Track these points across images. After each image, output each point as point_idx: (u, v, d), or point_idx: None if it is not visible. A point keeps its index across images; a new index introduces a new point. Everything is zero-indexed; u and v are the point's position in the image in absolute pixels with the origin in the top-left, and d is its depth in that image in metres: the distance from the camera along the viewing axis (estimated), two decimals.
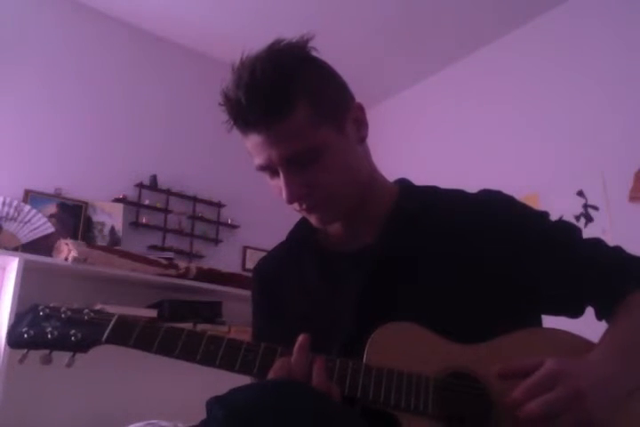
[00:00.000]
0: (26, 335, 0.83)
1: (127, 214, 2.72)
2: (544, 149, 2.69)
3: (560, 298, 0.93)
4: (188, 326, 2.34)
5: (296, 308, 0.97)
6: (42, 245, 2.32)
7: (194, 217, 2.95)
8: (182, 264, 2.58)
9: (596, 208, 2.45)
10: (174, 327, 0.83)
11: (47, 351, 0.83)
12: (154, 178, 2.85)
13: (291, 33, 0.90)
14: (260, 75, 0.83)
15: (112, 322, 0.83)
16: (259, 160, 0.88)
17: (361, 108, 0.95)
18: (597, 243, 0.95)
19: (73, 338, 0.82)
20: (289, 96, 0.84)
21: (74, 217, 2.54)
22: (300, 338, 0.79)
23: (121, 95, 2.90)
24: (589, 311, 0.94)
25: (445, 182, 1.07)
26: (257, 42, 0.88)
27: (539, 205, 2.42)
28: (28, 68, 2.63)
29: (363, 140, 0.95)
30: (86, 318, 0.85)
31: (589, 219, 2.45)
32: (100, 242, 2.54)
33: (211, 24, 3.00)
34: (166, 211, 2.86)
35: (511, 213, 0.95)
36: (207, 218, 3.00)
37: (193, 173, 3.01)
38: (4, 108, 2.52)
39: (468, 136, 3.04)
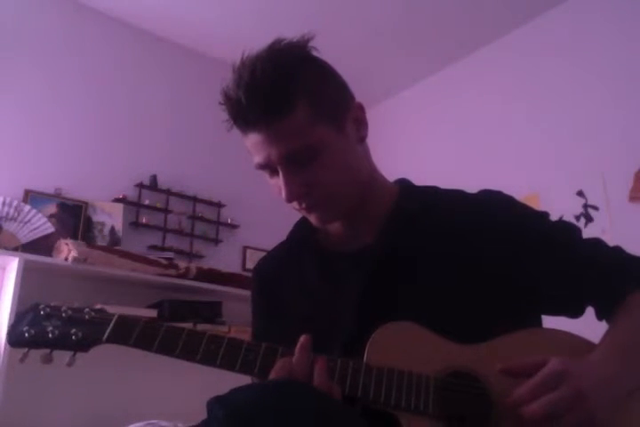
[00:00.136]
0: (26, 334, 0.83)
1: (127, 214, 2.72)
2: (544, 149, 2.69)
3: (560, 298, 0.93)
4: (188, 326, 2.33)
5: (296, 308, 0.97)
6: (42, 245, 2.32)
7: (194, 217, 2.95)
8: (182, 264, 2.57)
9: (596, 208, 2.45)
10: (175, 327, 0.83)
11: (48, 351, 0.83)
12: (154, 178, 2.85)
13: (291, 33, 0.90)
14: (261, 74, 0.83)
15: (113, 321, 0.83)
16: (258, 159, 0.88)
17: (361, 108, 0.95)
18: (597, 243, 0.95)
19: (74, 337, 0.82)
20: (289, 95, 0.84)
21: (74, 217, 2.54)
22: (302, 338, 0.79)
23: (121, 95, 2.90)
24: (589, 311, 0.94)
25: (445, 182, 1.07)
26: (257, 42, 0.88)
27: (539, 205, 2.42)
28: (29, 69, 2.63)
29: (363, 139, 0.95)
30: (87, 317, 0.85)
31: (589, 219, 2.45)
32: (100, 242, 2.54)
33: (211, 24, 3.00)
34: (166, 211, 2.86)
35: (511, 214, 0.95)
36: (207, 218, 3.00)
37: (193, 173, 3.01)
38: (4, 108, 2.52)
39: (468, 136, 3.04)
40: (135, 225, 2.75)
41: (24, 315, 0.86)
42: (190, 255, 2.87)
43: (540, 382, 0.74)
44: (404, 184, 1.03)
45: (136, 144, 2.88)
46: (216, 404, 0.67)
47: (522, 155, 2.77)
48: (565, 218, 1.29)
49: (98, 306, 0.89)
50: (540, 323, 0.97)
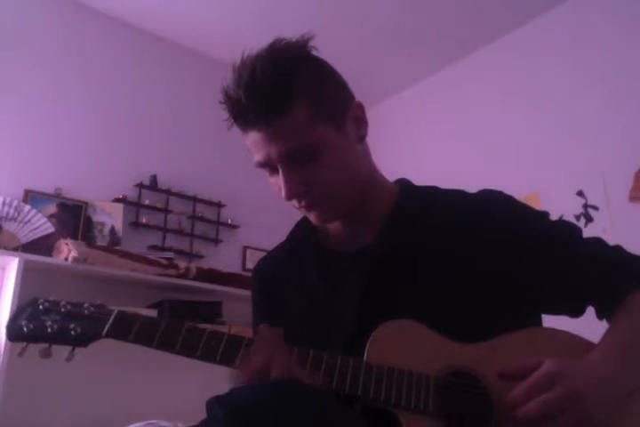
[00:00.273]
0: (25, 329, 0.83)
1: (127, 214, 2.72)
2: (544, 149, 2.69)
3: (560, 297, 0.93)
4: None
5: (296, 307, 0.97)
6: (42, 245, 2.32)
7: (194, 217, 2.95)
8: (182, 264, 2.58)
9: (596, 208, 2.45)
10: (175, 322, 0.83)
11: (47, 345, 0.83)
12: (154, 178, 2.85)
13: (291, 33, 0.91)
14: (260, 74, 0.84)
15: (112, 316, 0.83)
16: (258, 157, 0.89)
17: (361, 107, 0.95)
18: (598, 242, 0.95)
19: (73, 332, 0.82)
20: (288, 95, 0.84)
21: (74, 217, 2.54)
22: (271, 331, 0.81)
23: (121, 95, 2.90)
24: (590, 311, 0.94)
25: (445, 182, 1.07)
26: (257, 42, 0.89)
27: (539, 204, 2.42)
28: (29, 69, 2.63)
29: (362, 138, 0.96)
30: (86, 312, 0.84)
31: (589, 219, 2.45)
32: (100, 242, 2.54)
33: (211, 24, 3.01)
34: (166, 211, 2.86)
35: (511, 213, 0.95)
36: (207, 218, 3.00)
37: (193, 173, 3.01)
38: (4, 108, 2.52)
39: (468, 136, 3.04)
40: (135, 225, 2.75)
41: (23, 309, 0.85)
42: (190, 255, 2.87)
43: (533, 383, 0.74)
44: (404, 184, 1.03)
45: (136, 144, 2.88)
46: (216, 404, 0.67)
47: (522, 155, 2.77)
48: (565, 218, 1.29)
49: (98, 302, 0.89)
50: (540, 322, 0.97)
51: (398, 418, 0.77)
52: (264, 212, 3.04)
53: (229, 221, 3.06)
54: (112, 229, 2.63)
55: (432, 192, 1.02)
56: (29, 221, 2.33)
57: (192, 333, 0.82)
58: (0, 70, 2.54)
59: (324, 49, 0.93)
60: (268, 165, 0.89)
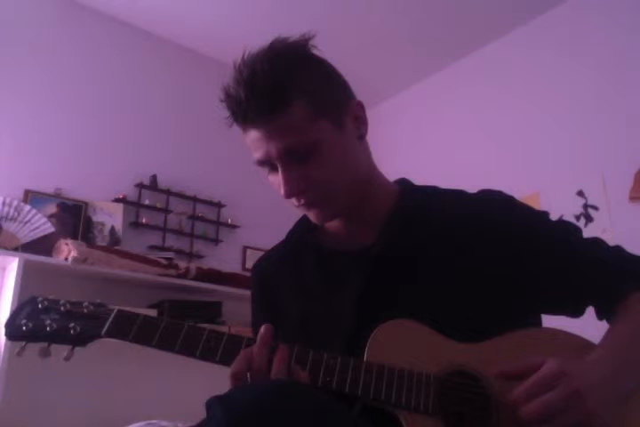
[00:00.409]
0: (24, 328, 0.82)
1: (127, 214, 2.72)
2: (544, 149, 2.69)
3: (560, 297, 0.93)
4: None
5: (295, 307, 0.97)
6: (42, 245, 2.31)
7: (194, 217, 2.95)
8: (182, 264, 2.58)
9: (596, 208, 2.45)
10: (175, 322, 0.83)
11: (46, 344, 0.83)
12: (154, 178, 2.85)
13: (292, 34, 0.91)
14: (260, 72, 0.84)
15: (112, 315, 0.83)
16: (257, 155, 0.89)
17: (361, 107, 0.96)
18: (597, 242, 0.95)
19: (72, 331, 0.82)
20: (287, 93, 0.85)
21: (74, 217, 2.54)
22: (262, 328, 0.81)
23: (121, 95, 2.90)
24: (590, 311, 0.94)
25: (445, 182, 1.07)
26: (258, 43, 0.89)
27: (539, 204, 2.42)
28: (28, 69, 2.63)
29: (362, 137, 0.96)
30: (85, 311, 0.84)
31: (589, 219, 2.45)
32: (100, 242, 2.54)
33: (211, 25, 3.00)
34: (166, 211, 2.86)
35: (511, 214, 0.95)
36: (207, 218, 3.00)
37: (193, 173, 3.01)
38: (4, 109, 2.52)
39: (468, 136, 3.04)
40: (135, 225, 2.75)
41: (22, 308, 0.85)
42: (190, 255, 2.87)
43: (536, 382, 0.74)
44: (404, 184, 1.04)
45: (136, 144, 2.88)
46: (215, 403, 0.67)
47: (522, 155, 2.77)
48: (565, 218, 1.29)
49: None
50: (540, 322, 0.97)
51: (398, 418, 0.77)
52: (264, 212, 3.04)
53: (229, 221, 3.06)
54: (112, 229, 2.63)
55: (432, 192, 1.02)
56: (29, 221, 2.33)
57: (192, 332, 0.82)
58: (0, 70, 2.54)
59: (325, 49, 0.94)
60: (268, 163, 0.90)
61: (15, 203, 2.33)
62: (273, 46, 0.88)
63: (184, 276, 2.54)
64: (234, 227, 3.08)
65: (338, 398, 0.75)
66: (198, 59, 3.22)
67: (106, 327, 0.82)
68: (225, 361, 0.80)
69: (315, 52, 0.93)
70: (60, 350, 0.83)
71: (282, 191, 0.89)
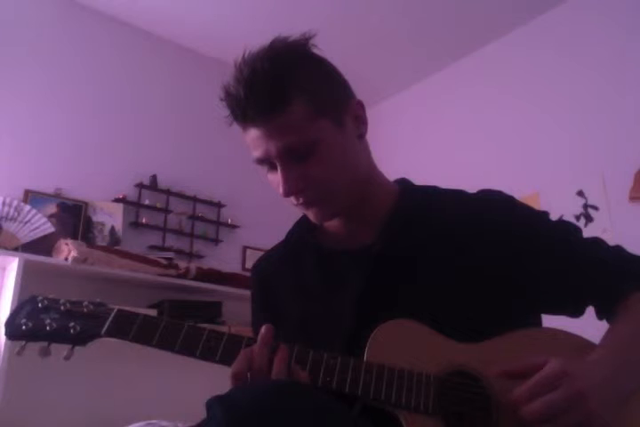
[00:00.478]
0: (24, 327, 0.82)
1: (127, 214, 2.72)
2: (544, 149, 2.69)
3: (560, 297, 0.93)
4: None
5: (295, 307, 0.97)
6: (42, 245, 2.31)
7: (194, 217, 2.95)
8: (182, 264, 2.58)
9: (596, 208, 2.45)
10: (175, 322, 0.83)
11: (45, 344, 0.83)
12: (154, 178, 2.85)
13: (292, 33, 0.92)
14: (260, 71, 0.85)
15: (112, 315, 0.83)
16: (257, 153, 0.89)
17: (361, 106, 0.96)
18: (597, 242, 0.95)
19: (72, 330, 0.82)
20: (287, 92, 0.85)
21: (74, 217, 2.54)
22: (263, 329, 0.81)
23: (121, 95, 2.90)
24: (590, 311, 0.94)
25: (445, 182, 1.07)
26: (258, 43, 0.90)
27: (539, 204, 2.42)
28: (28, 70, 2.63)
29: (362, 137, 0.96)
30: (85, 310, 0.84)
31: (589, 219, 2.45)
32: (100, 242, 2.54)
33: (212, 25, 3.00)
34: (166, 211, 2.86)
35: (511, 214, 0.95)
36: (207, 218, 3.00)
37: (193, 173, 3.01)
38: (4, 109, 2.52)
39: (468, 136, 3.04)
40: (135, 225, 2.75)
41: (22, 307, 0.85)
42: (190, 255, 2.87)
43: (538, 382, 0.74)
44: (404, 184, 1.03)
45: (136, 144, 2.88)
46: (216, 403, 0.67)
47: (522, 155, 2.77)
48: (565, 218, 1.29)
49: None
50: (540, 322, 0.97)
51: (398, 418, 0.77)
52: (264, 212, 3.04)
53: (229, 221, 3.06)
54: (112, 229, 2.63)
55: (432, 192, 1.02)
56: (29, 221, 2.33)
57: (192, 332, 0.82)
58: (0, 70, 2.54)
59: (325, 49, 0.94)
60: (267, 162, 0.90)
61: (15, 203, 2.33)
62: (273, 45, 0.88)
63: (184, 276, 2.54)
64: (234, 227, 3.08)
65: (338, 399, 0.75)
66: (198, 59, 3.22)
67: (106, 327, 0.82)
68: (225, 361, 0.80)
69: (315, 51, 0.93)
70: (60, 350, 0.83)
71: (281, 190, 0.89)
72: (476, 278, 0.89)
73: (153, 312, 2.37)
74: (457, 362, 0.81)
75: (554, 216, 0.99)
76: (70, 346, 0.83)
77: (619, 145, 2.42)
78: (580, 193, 2.50)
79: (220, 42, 3.07)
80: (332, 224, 1.01)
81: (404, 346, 0.82)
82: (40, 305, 0.85)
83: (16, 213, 2.31)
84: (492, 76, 3.03)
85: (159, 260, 2.51)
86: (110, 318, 0.83)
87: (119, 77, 2.92)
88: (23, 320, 0.83)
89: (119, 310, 0.84)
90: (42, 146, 2.59)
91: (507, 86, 2.94)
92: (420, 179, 1.05)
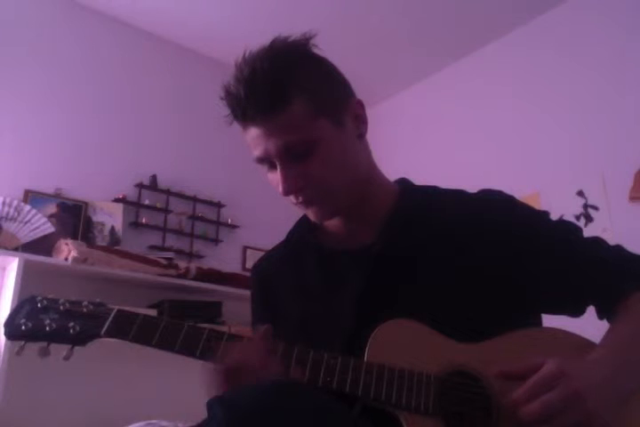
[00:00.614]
0: (23, 327, 0.82)
1: (127, 214, 2.72)
2: (544, 149, 2.69)
3: (561, 297, 0.93)
4: None
5: (295, 307, 0.97)
6: (42, 245, 2.31)
7: (194, 217, 2.95)
8: (182, 264, 2.58)
9: (596, 208, 2.45)
10: (174, 322, 0.83)
11: (45, 344, 0.83)
12: (154, 178, 2.85)
13: (293, 34, 0.92)
14: (260, 70, 0.85)
15: (112, 315, 0.83)
16: (257, 152, 0.90)
17: (361, 105, 0.96)
18: (598, 242, 0.95)
19: (71, 331, 0.82)
20: (286, 91, 0.86)
21: (74, 217, 2.54)
22: (262, 328, 0.81)
23: (121, 95, 2.90)
24: (590, 311, 0.94)
25: (446, 182, 1.07)
26: (259, 43, 0.90)
27: (539, 204, 2.42)
28: (29, 70, 2.63)
29: (362, 136, 0.96)
30: (85, 310, 0.84)
31: (589, 219, 2.45)
32: (100, 242, 2.54)
33: (212, 26, 3.01)
34: (166, 211, 2.86)
35: (511, 214, 0.95)
36: (207, 218, 3.00)
37: (193, 173, 3.01)
38: (4, 109, 2.52)
39: (468, 136, 3.04)
40: (135, 225, 2.75)
41: (21, 307, 0.85)
42: (190, 255, 2.86)
43: (536, 383, 0.74)
44: (404, 184, 1.04)
45: (136, 144, 2.88)
46: (216, 403, 0.67)
47: (522, 155, 2.77)
48: (565, 218, 1.29)
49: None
50: (540, 322, 0.97)
51: (398, 418, 0.77)
52: (264, 212, 3.04)
53: (229, 221, 3.06)
54: (112, 229, 2.63)
55: (432, 192, 1.02)
56: (29, 221, 2.33)
57: (192, 332, 0.82)
58: (1, 71, 2.54)
59: (325, 49, 0.94)
60: (267, 161, 0.90)
61: (15, 203, 2.33)
62: (273, 45, 0.89)
63: (184, 276, 2.54)
64: (234, 227, 3.08)
65: (338, 399, 0.75)
66: (198, 59, 3.22)
67: (105, 327, 0.82)
68: None
69: (315, 51, 0.93)
70: (60, 350, 0.83)
71: (280, 189, 0.89)
72: (476, 278, 0.88)
73: (153, 312, 2.37)
74: (457, 362, 0.81)
75: (554, 216, 0.99)
76: (70, 346, 0.83)
77: (619, 145, 2.42)
78: (580, 193, 2.50)
79: (220, 42, 3.07)
80: (333, 224, 1.01)
81: (405, 346, 0.82)
82: (39, 305, 0.84)
83: (16, 213, 2.31)
84: (491, 76, 3.03)
85: (159, 260, 2.51)
86: (110, 319, 0.83)
87: (119, 78, 2.92)
88: (22, 320, 0.83)
89: (119, 310, 0.84)
90: (42, 146, 2.59)
91: (507, 86, 2.94)
92: (420, 179, 1.05)
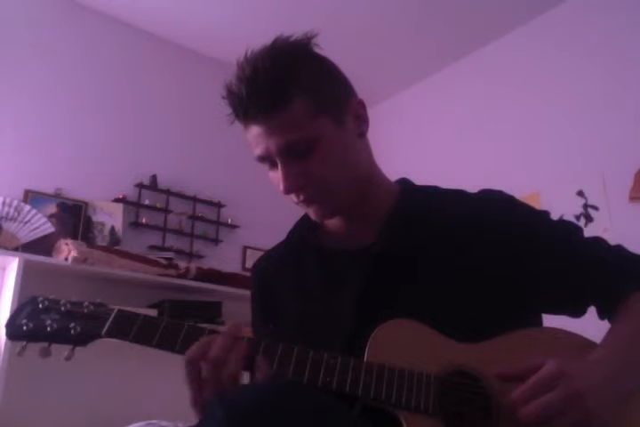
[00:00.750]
0: (24, 327, 0.82)
1: (127, 214, 2.72)
2: (545, 149, 2.69)
3: (561, 297, 0.93)
4: None
5: (295, 307, 0.97)
6: (42, 245, 2.31)
7: (194, 217, 2.95)
8: (182, 264, 2.58)
9: (596, 208, 2.45)
10: (175, 322, 0.83)
11: (46, 344, 0.83)
12: (154, 178, 2.85)
13: (294, 34, 0.92)
14: (262, 69, 0.85)
15: (112, 315, 0.83)
16: (258, 151, 0.90)
17: (362, 105, 0.96)
18: (598, 242, 0.95)
19: (72, 331, 0.82)
20: (287, 90, 0.86)
21: (74, 217, 2.54)
22: (230, 325, 0.81)
23: (121, 96, 2.90)
24: (590, 311, 0.94)
25: (446, 182, 1.07)
26: (259, 43, 0.90)
27: (539, 204, 2.42)
28: (29, 70, 2.63)
29: (362, 135, 0.96)
30: (86, 311, 0.84)
31: (589, 219, 2.45)
32: (100, 242, 2.54)
33: (212, 26, 3.01)
34: (166, 211, 2.86)
35: (511, 213, 0.95)
36: (207, 218, 3.00)
37: (193, 173, 3.01)
38: (4, 109, 2.52)
39: (469, 136, 3.04)
40: (135, 225, 2.75)
41: (22, 308, 0.85)
42: (190, 255, 2.87)
43: (536, 383, 0.74)
44: (404, 184, 1.04)
45: (136, 144, 2.88)
46: (216, 403, 0.67)
47: (522, 154, 2.77)
48: (565, 218, 1.29)
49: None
50: (540, 322, 0.97)
51: (398, 418, 0.77)
52: (264, 212, 3.04)
53: (229, 221, 3.06)
54: (112, 229, 2.63)
55: (432, 192, 1.02)
56: (29, 221, 2.33)
57: (192, 332, 0.82)
58: (1, 71, 2.54)
59: (325, 49, 0.94)
60: (268, 159, 0.90)
61: (15, 203, 2.33)
62: (275, 44, 0.89)
63: (184, 276, 2.54)
64: (234, 227, 3.08)
65: (338, 399, 0.75)
66: (199, 59, 3.22)
67: (106, 327, 0.82)
68: None
69: (317, 50, 0.93)
70: (61, 350, 0.83)
71: (281, 187, 0.89)
72: (476, 278, 0.88)
73: (153, 312, 2.37)
74: (457, 362, 0.81)
75: (554, 216, 0.99)
76: (71, 346, 0.83)
77: (619, 145, 2.42)
78: (580, 193, 2.50)
79: (220, 43, 3.07)
80: (333, 224, 1.01)
81: (405, 346, 0.82)
82: (40, 306, 0.84)
83: (16, 213, 2.31)
84: (491, 76, 3.03)
85: (159, 260, 2.51)
86: (110, 319, 0.83)
87: (119, 78, 2.92)
88: (24, 321, 0.83)
89: (119, 311, 0.84)
90: (42, 146, 2.59)
91: (507, 86, 2.94)
92: (420, 179, 1.05)
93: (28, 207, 2.36)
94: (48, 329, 0.82)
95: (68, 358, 0.82)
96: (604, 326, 0.89)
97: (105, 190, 2.69)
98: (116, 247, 2.50)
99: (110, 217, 2.64)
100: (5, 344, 1.99)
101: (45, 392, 2.23)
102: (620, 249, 0.95)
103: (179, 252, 2.80)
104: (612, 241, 0.97)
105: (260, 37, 0.93)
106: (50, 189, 2.53)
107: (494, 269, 0.89)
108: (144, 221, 2.77)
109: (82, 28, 2.85)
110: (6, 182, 2.42)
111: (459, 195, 1.00)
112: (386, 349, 0.81)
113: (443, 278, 0.89)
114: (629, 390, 0.79)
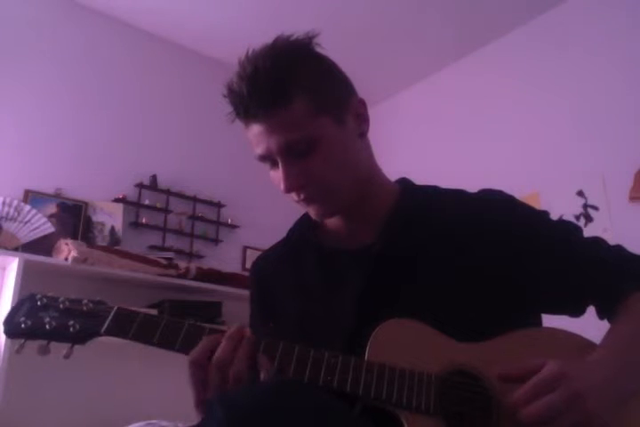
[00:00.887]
0: (23, 325, 0.82)
1: (127, 214, 2.72)
2: (544, 149, 2.69)
3: (561, 297, 0.93)
4: None
5: (295, 306, 0.97)
6: (42, 245, 2.31)
7: (194, 217, 2.95)
8: (182, 264, 2.58)
9: (596, 208, 2.45)
10: (175, 320, 0.83)
11: (45, 342, 0.82)
12: (154, 178, 2.85)
13: (295, 34, 0.92)
14: (262, 69, 0.86)
15: (112, 313, 0.83)
16: (259, 150, 0.90)
17: (362, 104, 0.96)
18: (598, 242, 0.95)
19: (71, 329, 0.81)
20: (288, 89, 0.86)
21: (74, 217, 2.54)
22: (233, 327, 0.81)
23: (122, 96, 2.90)
24: (590, 311, 0.94)
25: (446, 182, 1.07)
26: (259, 43, 0.90)
27: (539, 204, 2.42)
28: (29, 71, 2.63)
29: (363, 135, 0.96)
30: (85, 308, 0.84)
31: (589, 219, 2.45)
32: (100, 242, 2.54)
33: (213, 26, 3.01)
34: (166, 211, 2.86)
35: (511, 214, 0.95)
36: (207, 218, 3.00)
37: (193, 173, 3.01)
38: (4, 109, 2.52)
39: (469, 136, 3.04)
40: (135, 225, 2.75)
41: (21, 305, 0.85)
42: (190, 255, 2.87)
43: (537, 384, 0.74)
44: (404, 183, 1.04)
45: (136, 144, 2.88)
46: (216, 403, 0.67)
47: (522, 154, 2.77)
48: (565, 218, 1.29)
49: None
50: (540, 322, 0.97)
51: (399, 417, 0.77)
52: (264, 212, 3.04)
53: (229, 221, 3.06)
54: (112, 229, 2.63)
55: (432, 192, 1.02)
56: (29, 221, 2.33)
57: (192, 331, 0.82)
58: (1, 72, 2.54)
59: (325, 48, 0.95)
60: (269, 158, 0.91)
61: (15, 203, 2.33)
62: (276, 43, 0.89)
63: (184, 276, 2.54)
64: (234, 227, 3.08)
65: (339, 398, 0.75)
66: (199, 59, 3.22)
67: (105, 325, 0.82)
68: None
69: (318, 50, 0.93)
70: (60, 348, 0.83)
71: (282, 186, 0.90)
72: (476, 278, 0.88)
73: (153, 312, 2.36)
74: (458, 362, 0.81)
75: (554, 216, 0.99)
76: (70, 345, 0.83)
77: (619, 145, 2.42)
78: (580, 193, 2.50)
79: (221, 43, 3.07)
80: (333, 223, 1.01)
81: (405, 345, 0.82)
82: (39, 303, 0.84)
83: (16, 213, 2.31)
84: (492, 75, 3.03)
85: (159, 260, 2.51)
86: (110, 317, 0.82)
87: (120, 78, 2.92)
88: (22, 318, 0.82)
89: (119, 309, 0.84)
90: (42, 146, 2.59)
91: (507, 86, 2.94)
92: (420, 179, 1.05)
93: (28, 207, 2.36)
94: (47, 327, 0.81)
95: (66, 357, 0.82)
96: (604, 326, 0.89)
97: (105, 190, 2.69)
98: (116, 247, 2.50)
99: (110, 217, 2.64)
100: (5, 342, 1.99)
101: (45, 392, 2.23)
102: (619, 249, 0.95)
103: (179, 252, 2.80)
104: (612, 241, 0.97)
105: (260, 38, 0.93)
106: (50, 189, 2.53)
107: (494, 269, 0.89)
108: (144, 221, 2.77)
109: (83, 29, 2.85)
110: (6, 182, 2.42)
111: (459, 195, 1.00)
112: (387, 348, 0.81)
113: (443, 278, 0.89)
114: (630, 391, 0.79)
